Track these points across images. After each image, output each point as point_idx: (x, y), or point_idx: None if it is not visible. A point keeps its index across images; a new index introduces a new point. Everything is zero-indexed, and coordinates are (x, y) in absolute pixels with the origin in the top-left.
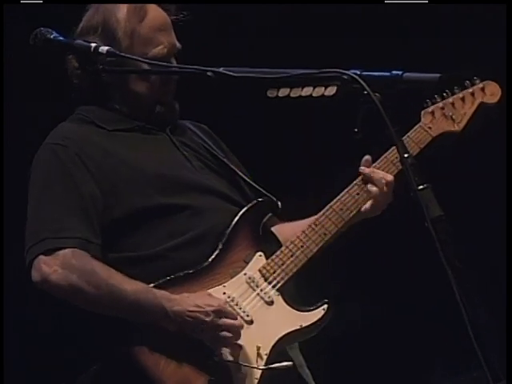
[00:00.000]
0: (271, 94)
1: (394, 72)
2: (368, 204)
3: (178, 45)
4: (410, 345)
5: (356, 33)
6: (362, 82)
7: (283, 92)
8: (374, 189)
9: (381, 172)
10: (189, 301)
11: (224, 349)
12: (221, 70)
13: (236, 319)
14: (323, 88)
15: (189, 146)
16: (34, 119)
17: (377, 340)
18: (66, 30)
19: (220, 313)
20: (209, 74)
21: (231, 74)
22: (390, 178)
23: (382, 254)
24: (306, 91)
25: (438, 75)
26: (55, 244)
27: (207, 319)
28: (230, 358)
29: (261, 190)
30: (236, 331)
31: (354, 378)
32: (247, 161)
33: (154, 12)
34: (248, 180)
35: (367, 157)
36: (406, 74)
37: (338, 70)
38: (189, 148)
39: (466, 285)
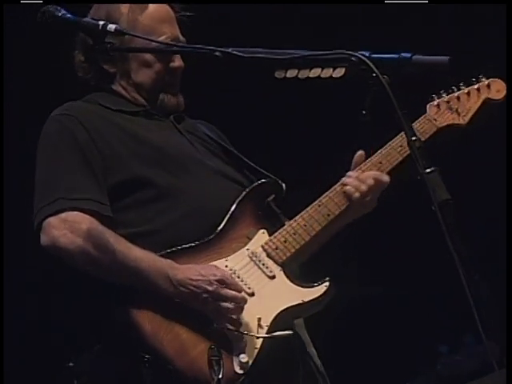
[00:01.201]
0: (279, 75)
1: (403, 54)
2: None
3: (181, 38)
4: (411, 320)
5: (356, 33)
6: (370, 63)
7: (291, 73)
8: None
9: (371, 174)
10: (193, 270)
11: (224, 318)
12: (229, 50)
13: (240, 291)
14: (331, 70)
15: (193, 133)
16: (34, 119)
17: (378, 317)
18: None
19: (223, 282)
20: (217, 54)
21: (240, 54)
22: (384, 179)
23: (382, 232)
24: (314, 73)
25: (448, 58)
26: (68, 204)
27: (210, 288)
28: (230, 327)
29: (267, 173)
30: (238, 303)
31: (356, 355)
32: (251, 146)
33: (157, 5)
34: (253, 165)
35: (361, 152)
36: (415, 57)
37: (346, 51)
38: (192, 135)
39: (471, 267)
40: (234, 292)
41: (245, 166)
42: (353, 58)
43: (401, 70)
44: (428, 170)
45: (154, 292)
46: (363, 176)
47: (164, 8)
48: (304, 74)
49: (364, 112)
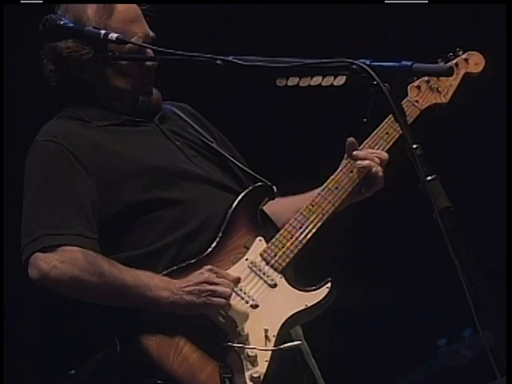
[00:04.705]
0: (280, 83)
1: (403, 62)
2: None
3: (151, 34)
4: (413, 325)
5: (356, 33)
6: (371, 71)
7: (292, 81)
8: (366, 165)
9: (375, 152)
10: (189, 277)
11: (232, 333)
12: (230, 58)
13: (227, 278)
14: (332, 78)
15: (179, 134)
16: (34, 119)
17: (380, 321)
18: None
19: (213, 270)
20: (218, 62)
21: (241, 62)
22: (384, 156)
23: (382, 234)
24: (316, 81)
25: (448, 66)
26: (51, 241)
27: (201, 278)
28: (238, 343)
29: (254, 174)
30: (229, 288)
31: (358, 360)
32: (244, 146)
33: (122, 5)
34: (241, 165)
35: (352, 139)
36: (416, 65)
37: (347, 59)
38: (179, 136)
39: (474, 276)
40: (222, 279)
41: (234, 167)
42: (354, 66)
43: (401, 78)
44: (429, 178)
45: (155, 307)
46: (369, 155)
47: (131, 8)
48: (305, 82)
49: (365, 120)
